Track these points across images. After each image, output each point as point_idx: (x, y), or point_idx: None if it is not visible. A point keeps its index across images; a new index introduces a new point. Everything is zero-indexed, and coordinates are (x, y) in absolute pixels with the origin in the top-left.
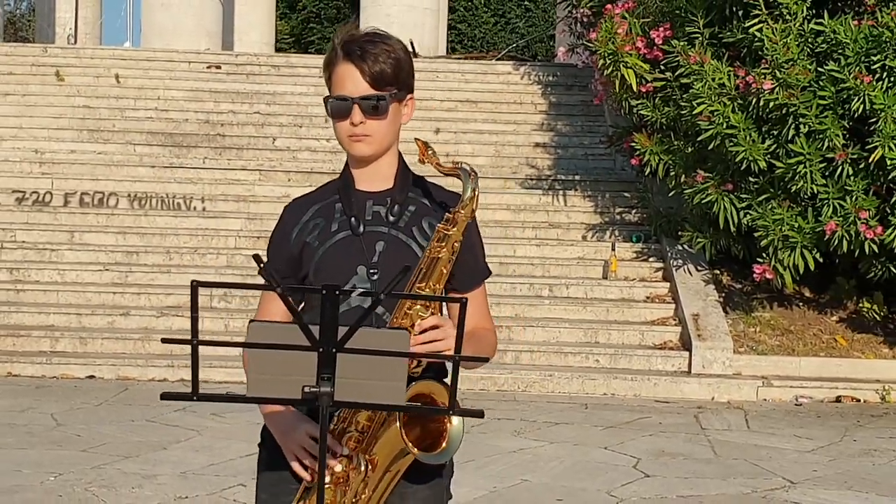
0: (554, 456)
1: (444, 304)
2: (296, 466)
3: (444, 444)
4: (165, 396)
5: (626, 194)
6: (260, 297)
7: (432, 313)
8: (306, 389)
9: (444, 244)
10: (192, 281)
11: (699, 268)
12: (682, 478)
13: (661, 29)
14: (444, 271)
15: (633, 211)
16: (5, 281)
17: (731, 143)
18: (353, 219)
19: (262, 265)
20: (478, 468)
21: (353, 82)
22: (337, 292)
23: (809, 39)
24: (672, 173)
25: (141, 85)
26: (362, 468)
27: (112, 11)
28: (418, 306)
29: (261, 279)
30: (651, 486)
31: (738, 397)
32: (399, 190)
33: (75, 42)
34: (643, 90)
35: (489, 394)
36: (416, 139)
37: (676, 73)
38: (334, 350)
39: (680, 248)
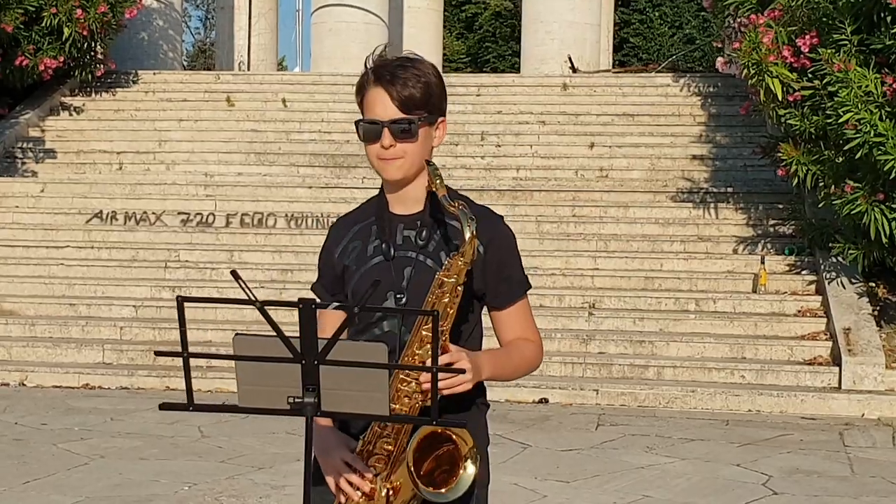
0: (682, 472)
1: (482, 312)
2: (333, 488)
3: (452, 484)
4: (164, 407)
5: (780, 206)
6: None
7: (443, 351)
8: (291, 400)
9: (444, 290)
10: (178, 296)
11: (853, 280)
12: (811, 495)
13: (807, 37)
14: (450, 311)
15: (788, 223)
16: (168, 299)
17: (880, 152)
18: (384, 244)
19: (239, 280)
20: (601, 483)
21: (383, 106)
22: (313, 306)
23: None
24: (821, 184)
25: (306, 108)
26: (383, 493)
27: (285, 38)
28: (428, 346)
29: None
30: (777, 503)
31: (889, 414)
32: (429, 213)
33: (248, 69)
34: (791, 99)
35: (629, 409)
36: (426, 161)
37: (824, 82)
38: (316, 362)
39: (833, 260)
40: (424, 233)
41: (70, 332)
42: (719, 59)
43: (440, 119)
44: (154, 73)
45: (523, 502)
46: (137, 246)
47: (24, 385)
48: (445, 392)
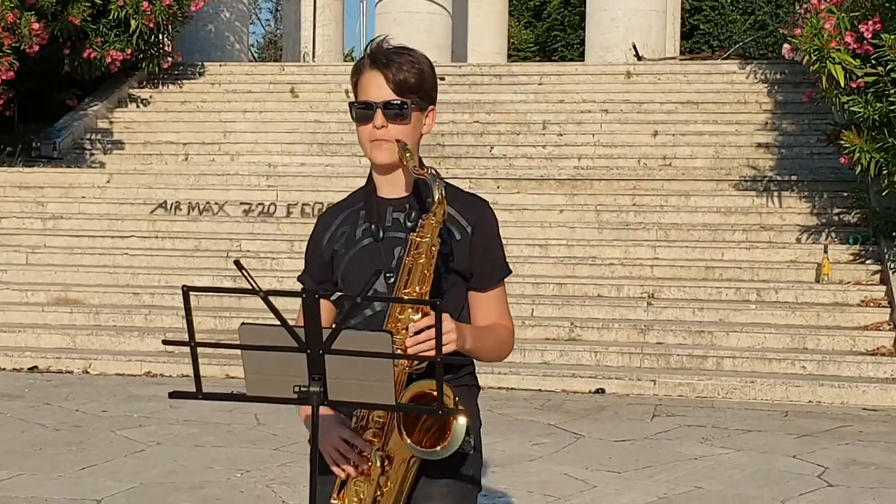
0: (736, 464)
1: (469, 302)
2: (332, 466)
3: (446, 442)
4: (174, 395)
5: (844, 194)
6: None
7: (424, 315)
8: (297, 389)
9: (420, 251)
10: (183, 286)
11: None
12: (867, 487)
13: (870, 23)
14: (427, 273)
15: (852, 212)
16: (229, 288)
17: None
18: (373, 226)
19: (242, 270)
20: (653, 474)
21: (378, 88)
22: (316, 296)
23: None
24: (885, 172)
25: None
26: (378, 463)
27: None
28: (409, 310)
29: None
30: (831, 495)
31: None
32: (417, 196)
33: (312, 60)
34: (853, 86)
35: (687, 400)
36: (396, 140)
37: (888, 68)
38: (321, 351)
39: None
40: (413, 214)
41: (133, 321)
42: (786, 45)
43: (430, 107)
44: (220, 65)
45: (572, 492)
46: (200, 236)
47: (87, 373)
48: (430, 353)
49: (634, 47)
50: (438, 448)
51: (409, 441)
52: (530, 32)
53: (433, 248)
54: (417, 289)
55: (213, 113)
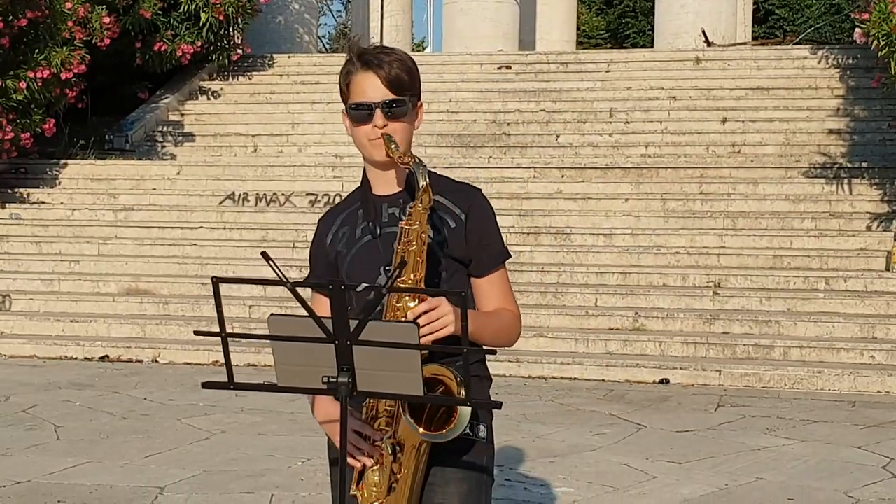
0: (799, 454)
1: (471, 285)
2: (347, 458)
3: (451, 425)
4: (207, 385)
5: None
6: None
7: (420, 301)
8: (325, 380)
9: (410, 238)
10: (212, 277)
11: None
12: None
13: None
14: (420, 260)
15: None
16: (295, 278)
17: None
18: (370, 223)
19: (270, 261)
20: (714, 465)
21: (374, 88)
22: (343, 287)
23: None
24: None
25: (434, 88)
26: (390, 451)
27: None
28: (406, 298)
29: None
30: (894, 486)
31: None
32: (410, 191)
33: None
34: None
35: (753, 390)
36: (381, 134)
37: None
38: (349, 342)
39: None
40: (407, 208)
41: (202, 311)
42: (857, 30)
43: (419, 102)
44: (289, 57)
45: (632, 483)
46: (267, 226)
47: (156, 362)
48: (430, 337)
49: (704, 33)
50: (444, 431)
51: (416, 426)
52: (602, 19)
53: (423, 235)
54: (412, 276)
55: (282, 105)
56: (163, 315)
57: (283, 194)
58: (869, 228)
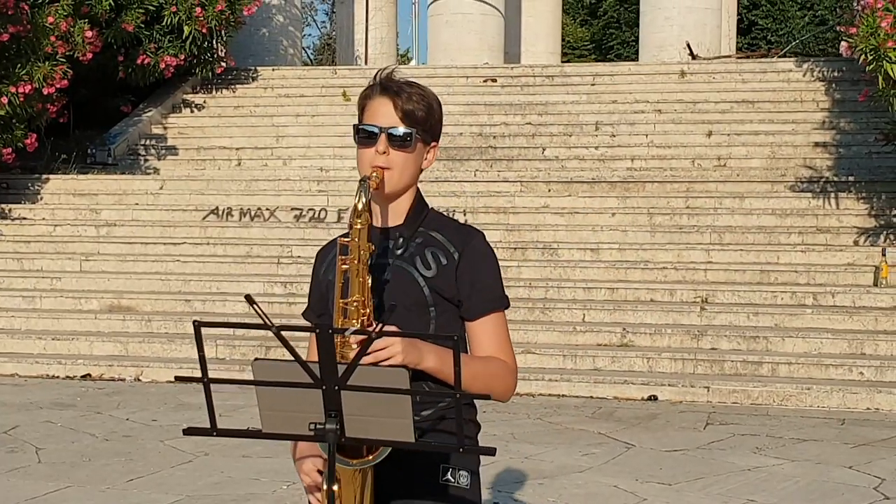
0: (790, 475)
1: (463, 330)
2: (307, 495)
3: (377, 451)
4: (188, 432)
5: None
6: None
7: (366, 326)
8: (312, 426)
9: (349, 256)
10: (194, 321)
11: None
12: None
13: None
14: (362, 280)
15: None
16: (280, 294)
17: None
18: None
19: (253, 305)
20: (705, 486)
21: (385, 114)
22: (330, 331)
23: None
24: None
25: None
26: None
27: (404, 32)
28: (351, 319)
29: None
30: None
31: None
32: (408, 226)
33: (365, 63)
34: None
35: (741, 407)
36: (374, 168)
37: None
38: (337, 387)
39: None
40: (401, 241)
41: (185, 328)
42: (843, 43)
43: (433, 143)
44: (273, 70)
45: None
46: (251, 242)
47: (139, 380)
48: (369, 360)
49: (689, 46)
50: (370, 457)
51: (346, 461)
52: (586, 30)
53: (363, 253)
54: (358, 297)
55: (266, 118)
56: (145, 332)
57: (267, 209)
58: (856, 243)
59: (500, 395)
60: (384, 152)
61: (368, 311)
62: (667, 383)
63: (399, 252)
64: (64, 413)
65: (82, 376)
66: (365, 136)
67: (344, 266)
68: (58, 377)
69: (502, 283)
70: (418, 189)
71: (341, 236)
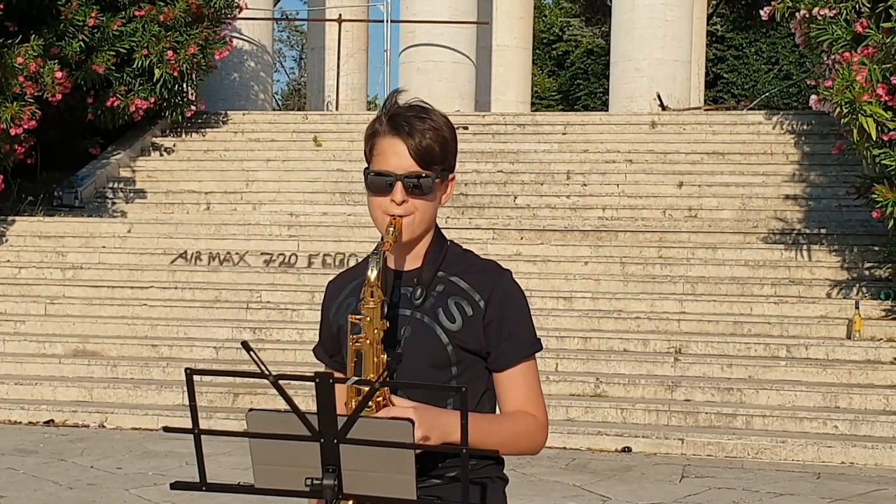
0: None
1: (495, 382)
2: None
3: None
4: (176, 486)
5: (875, 248)
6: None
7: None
8: (309, 482)
9: (361, 335)
10: (186, 369)
11: None
12: None
13: None
14: (377, 360)
15: (884, 266)
16: (249, 340)
17: None
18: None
19: (251, 352)
20: None
21: (398, 158)
22: (330, 381)
23: None
24: None
25: None
26: None
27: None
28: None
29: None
30: None
31: None
32: (427, 269)
33: (336, 108)
34: (885, 139)
35: (716, 460)
36: (392, 221)
37: None
38: (336, 440)
39: None
40: (419, 290)
41: (151, 374)
42: (813, 96)
43: (451, 176)
44: (243, 114)
45: None
46: (220, 286)
47: (103, 427)
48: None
49: (659, 97)
50: None
51: None
52: (553, 81)
53: (377, 332)
54: (373, 377)
55: (236, 162)
56: (111, 378)
57: (237, 254)
58: (829, 295)
59: (528, 452)
60: (403, 202)
61: (386, 391)
62: (641, 435)
63: (418, 302)
64: (26, 460)
65: (45, 422)
66: (378, 183)
67: (356, 345)
68: (20, 423)
69: (533, 325)
70: (436, 224)
71: (371, 253)
